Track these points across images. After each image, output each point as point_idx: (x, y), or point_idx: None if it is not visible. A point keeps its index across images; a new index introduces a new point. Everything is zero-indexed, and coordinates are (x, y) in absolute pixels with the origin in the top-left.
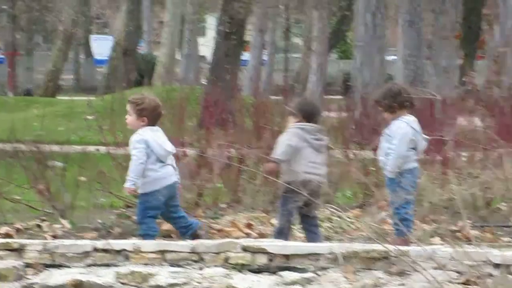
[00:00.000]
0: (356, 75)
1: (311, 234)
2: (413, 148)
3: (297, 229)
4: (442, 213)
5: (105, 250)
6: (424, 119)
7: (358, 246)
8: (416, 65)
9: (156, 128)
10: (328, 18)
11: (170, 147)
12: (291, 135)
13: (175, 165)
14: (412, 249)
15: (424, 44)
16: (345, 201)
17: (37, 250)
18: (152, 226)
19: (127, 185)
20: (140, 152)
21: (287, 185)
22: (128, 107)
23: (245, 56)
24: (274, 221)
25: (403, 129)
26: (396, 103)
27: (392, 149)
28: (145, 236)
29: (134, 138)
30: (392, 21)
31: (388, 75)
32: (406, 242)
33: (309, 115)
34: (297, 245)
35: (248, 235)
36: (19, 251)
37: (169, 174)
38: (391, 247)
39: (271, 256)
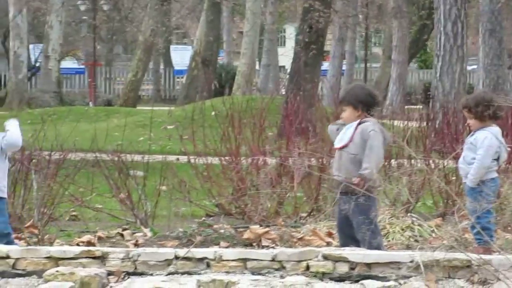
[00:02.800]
0: (437, 85)
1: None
2: (496, 159)
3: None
4: None
5: (186, 258)
6: (506, 128)
7: (439, 255)
8: (497, 74)
9: None
10: (408, 27)
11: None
12: (380, 140)
13: None
14: (495, 257)
15: (505, 53)
16: (426, 210)
17: (119, 258)
18: None
19: None
20: None
21: (367, 193)
22: None
23: (325, 65)
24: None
25: (489, 140)
26: (488, 112)
27: (477, 159)
28: None
29: None
30: (473, 30)
31: (468, 85)
32: (488, 251)
33: (371, 106)
34: (378, 253)
35: (329, 244)
36: (101, 259)
37: None
38: (473, 256)
39: (353, 264)
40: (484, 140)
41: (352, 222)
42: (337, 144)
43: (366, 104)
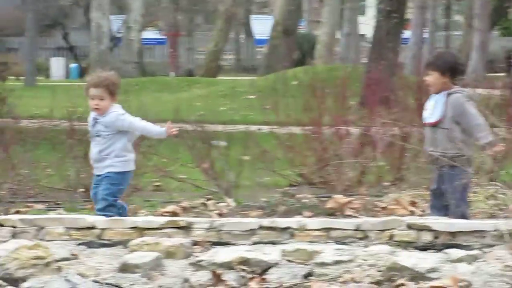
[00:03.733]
0: None
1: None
2: None
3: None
4: None
5: (270, 228)
6: None
7: None
8: None
9: None
10: None
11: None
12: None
13: None
14: None
15: None
16: (510, 178)
17: (204, 228)
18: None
19: None
20: None
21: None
22: None
23: (406, 34)
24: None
25: None
26: None
27: None
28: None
29: None
30: None
31: None
32: None
33: (457, 75)
34: (462, 222)
35: (412, 213)
36: (186, 229)
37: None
38: None
39: (436, 233)
40: None
41: (446, 192)
42: (429, 119)
43: (453, 71)
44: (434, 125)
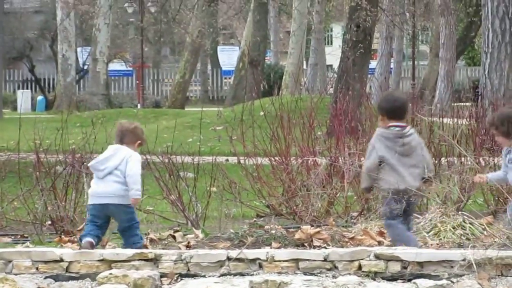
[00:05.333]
0: (485, 82)
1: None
2: None
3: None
4: None
5: (239, 259)
6: None
7: (492, 253)
8: None
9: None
10: (455, 24)
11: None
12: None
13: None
14: None
15: None
16: (477, 208)
17: (172, 260)
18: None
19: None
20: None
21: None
22: None
23: (373, 64)
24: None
25: None
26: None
27: None
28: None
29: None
30: None
31: None
32: None
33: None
34: (430, 252)
35: (380, 243)
36: (154, 261)
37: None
38: None
39: (405, 263)
40: None
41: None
42: None
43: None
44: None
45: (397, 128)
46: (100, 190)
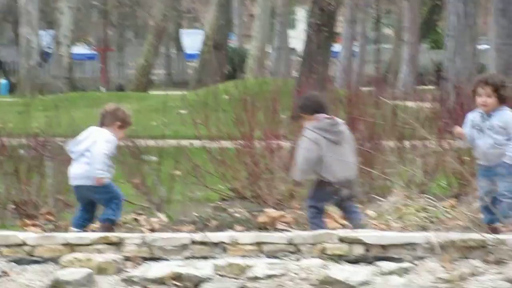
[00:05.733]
0: (448, 65)
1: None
2: None
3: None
4: None
5: (202, 243)
6: None
7: (454, 235)
8: (509, 54)
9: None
10: (418, 8)
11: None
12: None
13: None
14: (510, 237)
15: None
16: (440, 191)
17: (135, 244)
18: None
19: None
20: None
21: None
22: None
23: (336, 47)
24: (370, 211)
25: None
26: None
27: None
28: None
29: None
30: (484, 10)
31: (480, 64)
32: (497, 231)
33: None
34: (393, 235)
35: (344, 226)
36: (118, 244)
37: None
38: (488, 236)
39: (368, 246)
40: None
41: None
42: None
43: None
44: None
45: (328, 119)
46: (72, 172)
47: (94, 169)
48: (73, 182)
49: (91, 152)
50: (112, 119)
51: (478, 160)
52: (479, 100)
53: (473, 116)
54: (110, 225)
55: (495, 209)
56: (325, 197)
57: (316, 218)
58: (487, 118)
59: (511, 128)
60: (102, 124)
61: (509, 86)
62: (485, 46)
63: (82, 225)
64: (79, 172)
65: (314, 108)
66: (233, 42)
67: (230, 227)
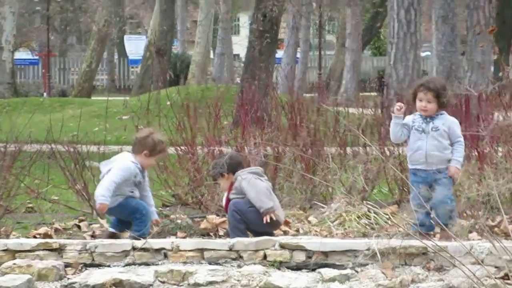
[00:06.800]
0: (391, 72)
1: None
2: None
3: None
4: (479, 208)
5: (144, 249)
6: (460, 115)
7: (396, 242)
8: (451, 61)
9: None
10: (361, 14)
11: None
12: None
13: None
14: (450, 244)
15: (458, 40)
16: (382, 197)
17: (76, 250)
18: None
19: None
20: None
21: None
22: None
23: (279, 54)
24: (312, 218)
25: (458, 124)
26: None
27: (460, 143)
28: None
29: None
30: (426, 17)
31: (422, 71)
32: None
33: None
34: (335, 242)
35: (285, 233)
36: (59, 251)
37: None
38: (429, 243)
39: (309, 253)
40: (458, 125)
41: None
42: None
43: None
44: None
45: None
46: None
47: (97, 194)
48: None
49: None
50: (140, 148)
51: (414, 164)
52: (419, 104)
53: (413, 119)
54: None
55: (434, 217)
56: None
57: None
58: (430, 120)
59: (454, 133)
60: (133, 150)
61: (448, 91)
62: (427, 53)
63: (119, 227)
64: (97, 191)
65: (235, 166)
66: (176, 48)
67: (172, 233)
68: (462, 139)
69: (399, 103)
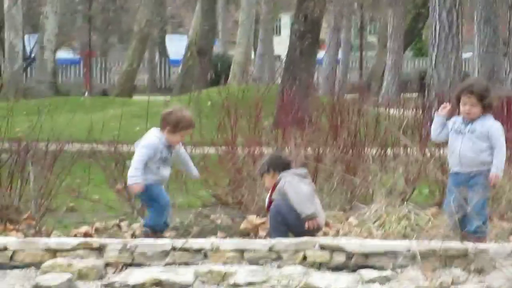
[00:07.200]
0: (432, 73)
1: None
2: None
3: None
4: None
5: (184, 249)
6: (502, 116)
7: (436, 244)
8: (493, 62)
9: None
10: (403, 15)
11: None
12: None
13: None
14: (491, 246)
15: (500, 41)
16: (423, 199)
17: (117, 249)
18: None
19: None
20: None
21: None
22: None
23: (320, 54)
24: (352, 219)
25: (502, 129)
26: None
27: (500, 147)
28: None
29: None
30: (468, 18)
31: (464, 73)
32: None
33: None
34: (375, 243)
35: (325, 234)
36: (99, 250)
37: None
38: (469, 245)
39: (349, 254)
40: (499, 128)
41: None
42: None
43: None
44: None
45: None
46: None
47: (128, 177)
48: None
49: None
50: (164, 124)
51: (452, 166)
52: (463, 108)
53: (453, 121)
54: (148, 230)
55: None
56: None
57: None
58: (470, 122)
59: (493, 136)
60: (160, 126)
61: (492, 93)
62: (469, 54)
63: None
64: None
65: (283, 167)
66: (217, 48)
67: (212, 233)
68: (503, 143)
69: (445, 103)
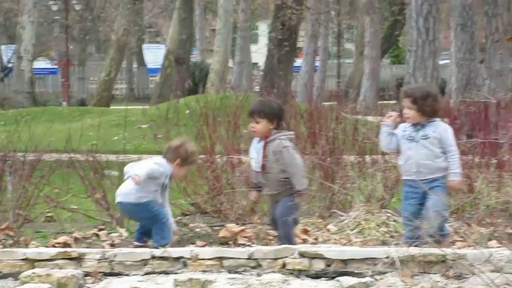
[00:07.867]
0: (409, 80)
1: None
2: None
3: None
4: (498, 216)
5: (163, 258)
6: (479, 122)
7: (415, 250)
8: (470, 69)
9: None
10: (380, 23)
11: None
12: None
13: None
14: (469, 252)
15: (477, 47)
16: (401, 205)
17: (96, 259)
18: None
19: None
20: None
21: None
22: None
23: (298, 62)
24: (331, 226)
25: (452, 131)
26: (435, 107)
27: (453, 151)
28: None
29: None
30: (444, 25)
31: (441, 79)
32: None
33: (282, 120)
34: (354, 250)
35: (304, 241)
36: (78, 260)
37: None
38: (448, 251)
39: (329, 261)
40: (451, 133)
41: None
42: (256, 168)
43: (279, 118)
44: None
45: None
46: (118, 190)
47: (133, 173)
48: (117, 199)
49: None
50: (173, 156)
51: (406, 174)
52: (404, 111)
53: (404, 127)
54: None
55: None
56: (297, 206)
57: (292, 231)
58: (421, 128)
59: (446, 140)
60: (164, 156)
61: (435, 100)
62: (446, 61)
63: (144, 240)
64: (122, 189)
65: (280, 116)
66: (195, 56)
67: (191, 242)
68: (454, 147)
69: (390, 112)
